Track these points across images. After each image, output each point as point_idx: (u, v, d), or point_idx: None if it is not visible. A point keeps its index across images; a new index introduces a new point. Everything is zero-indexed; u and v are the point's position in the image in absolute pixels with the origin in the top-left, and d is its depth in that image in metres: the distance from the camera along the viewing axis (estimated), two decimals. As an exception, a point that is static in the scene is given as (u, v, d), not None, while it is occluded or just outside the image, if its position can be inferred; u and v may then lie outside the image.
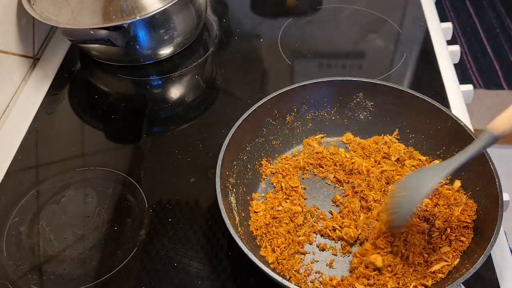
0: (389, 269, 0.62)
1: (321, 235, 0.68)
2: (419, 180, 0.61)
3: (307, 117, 0.78)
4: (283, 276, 0.62)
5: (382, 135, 0.78)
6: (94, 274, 0.66)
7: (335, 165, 0.75)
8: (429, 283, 0.60)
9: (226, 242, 0.69)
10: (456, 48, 0.99)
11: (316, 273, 0.64)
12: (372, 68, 0.96)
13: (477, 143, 0.58)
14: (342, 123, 0.79)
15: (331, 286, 0.61)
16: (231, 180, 0.68)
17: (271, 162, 0.76)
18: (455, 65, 0.95)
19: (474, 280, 0.63)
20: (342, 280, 0.62)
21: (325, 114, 0.79)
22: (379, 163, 0.74)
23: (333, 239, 0.67)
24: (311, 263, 0.65)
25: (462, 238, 0.64)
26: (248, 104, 0.75)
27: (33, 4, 0.87)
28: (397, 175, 0.72)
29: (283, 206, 0.70)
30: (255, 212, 0.69)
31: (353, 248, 0.66)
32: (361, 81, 0.75)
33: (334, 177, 0.74)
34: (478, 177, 0.66)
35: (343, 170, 0.74)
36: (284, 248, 0.65)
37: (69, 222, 0.72)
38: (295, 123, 0.78)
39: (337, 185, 0.73)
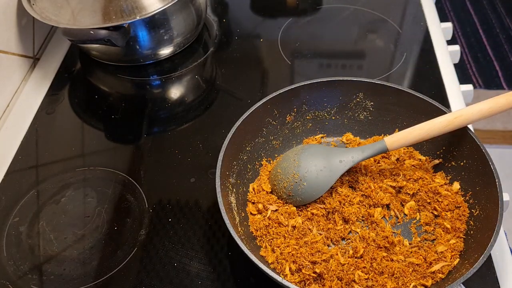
0: (388, 270, 0.62)
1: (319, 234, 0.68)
2: (331, 156, 0.68)
3: (307, 117, 0.78)
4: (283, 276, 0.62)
5: (382, 135, 0.78)
6: (94, 274, 0.66)
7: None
8: (429, 283, 0.60)
9: (226, 242, 0.69)
10: (456, 48, 0.99)
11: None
12: (372, 68, 0.96)
13: (375, 148, 0.68)
14: (342, 123, 0.79)
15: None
16: (231, 180, 0.68)
17: (271, 162, 0.76)
18: (455, 65, 0.95)
19: (474, 280, 0.63)
20: (341, 280, 0.62)
21: (325, 114, 0.79)
22: (378, 162, 0.74)
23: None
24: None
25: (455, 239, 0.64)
26: (248, 104, 0.75)
27: (33, 4, 0.87)
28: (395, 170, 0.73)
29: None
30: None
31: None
32: (361, 81, 0.75)
33: None
34: (478, 177, 0.66)
35: None
36: (284, 248, 0.64)
37: (69, 222, 0.72)
38: (295, 123, 0.78)
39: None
